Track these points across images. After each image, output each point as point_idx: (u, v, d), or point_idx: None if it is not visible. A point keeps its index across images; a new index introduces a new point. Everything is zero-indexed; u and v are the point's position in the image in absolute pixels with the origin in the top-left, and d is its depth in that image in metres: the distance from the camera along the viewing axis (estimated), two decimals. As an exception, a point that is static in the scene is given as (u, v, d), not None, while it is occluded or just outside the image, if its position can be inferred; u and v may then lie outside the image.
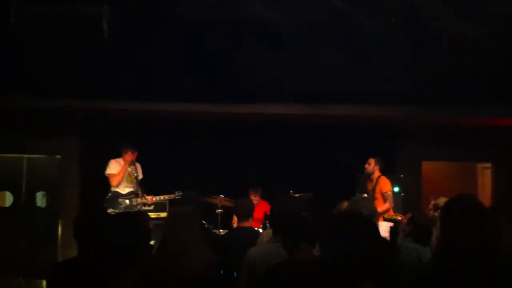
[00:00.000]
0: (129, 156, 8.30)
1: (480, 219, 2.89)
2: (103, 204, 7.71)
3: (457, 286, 2.71)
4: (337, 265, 2.57)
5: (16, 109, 8.70)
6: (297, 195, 8.87)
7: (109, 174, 8.28)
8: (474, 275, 2.72)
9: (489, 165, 10.72)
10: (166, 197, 8.29)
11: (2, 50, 7.18)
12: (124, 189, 8.26)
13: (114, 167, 8.29)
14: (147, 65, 7.76)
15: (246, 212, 5.68)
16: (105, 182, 8.27)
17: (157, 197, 8.32)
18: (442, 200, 8.06)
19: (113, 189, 8.22)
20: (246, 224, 5.64)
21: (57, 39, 7.01)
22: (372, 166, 8.37)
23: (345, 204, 5.94)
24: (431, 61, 7.70)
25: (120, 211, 7.85)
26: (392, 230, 6.76)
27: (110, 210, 7.91)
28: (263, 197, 9.38)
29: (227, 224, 8.50)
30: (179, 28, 7.14)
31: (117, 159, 8.35)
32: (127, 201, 8.14)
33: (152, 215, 8.01)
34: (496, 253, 2.83)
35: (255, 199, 9.19)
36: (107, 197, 8.16)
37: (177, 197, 8.07)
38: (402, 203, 9.59)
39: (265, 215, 9.05)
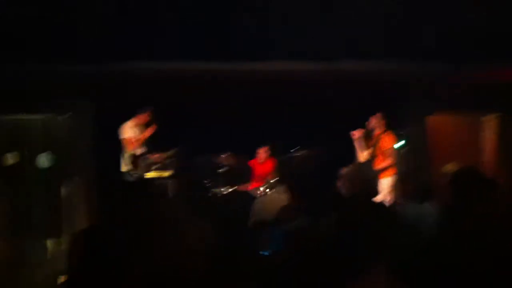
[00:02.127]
0: (144, 118, 8.34)
1: (483, 192, 2.98)
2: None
3: (456, 254, 2.78)
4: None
5: (27, 72, 8.70)
6: (305, 151, 8.95)
7: (125, 139, 8.29)
8: (473, 243, 2.78)
9: (494, 117, 10.64)
10: (165, 155, 8.29)
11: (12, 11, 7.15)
12: (138, 151, 8.31)
13: (130, 131, 8.30)
14: (153, 26, 7.74)
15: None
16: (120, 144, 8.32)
17: (162, 155, 8.33)
18: (451, 166, 8.20)
19: (129, 152, 8.25)
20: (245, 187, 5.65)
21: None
22: (374, 122, 8.32)
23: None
24: (438, 17, 7.61)
25: (142, 171, 7.96)
26: None
27: (129, 168, 7.98)
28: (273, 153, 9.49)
29: (230, 183, 8.59)
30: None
31: (131, 122, 8.38)
32: (143, 163, 8.20)
33: (155, 174, 8.08)
34: (495, 224, 2.90)
35: (261, 151, 9.30)
36: (126, 156, 8.20)
37: (175, 153, 8.08)
38: (407, 158, 9.62)
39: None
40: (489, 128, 10.66)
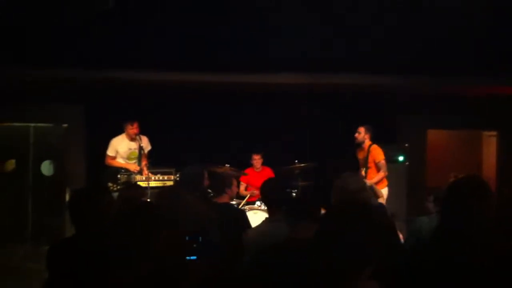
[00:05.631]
0: (130, 129, 8.22)
1: (484, 202, 2.92)
2: (104, 182, 7.76)
3: (451, 266, 2.74)
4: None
5: (21, 79, 8.69)
6: (302, 164, 8.91)
7: (106, 154, 8.27)
8: (470, 256, 2.74)
9: (494, 133, 10.68)
10: (166, 177, 8.15)
11: (2, 19, 7.14)
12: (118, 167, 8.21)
13: (113, 148, 8.27)
14: (149, 34, 7.75)
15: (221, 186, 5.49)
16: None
17: (158, 176, 8.16)
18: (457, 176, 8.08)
19: (110, 168, 8.18)
20: (223, 199, 5.45)
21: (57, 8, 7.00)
22: (362, 134, 8.26)
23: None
24: (435, 29, 7.66)
25: (119, 186, 7.85)
26: None
27: (109, 184, 7.93)
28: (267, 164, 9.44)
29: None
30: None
31: (120, 137, 8.31)
32: (125, 177, 8.07)
33: (158, 184, 8.01)
34: (495, 235, 2.87)
35: (256, 158, 9.27)
36: (108, 171, 8.14)
37: (177, 179, 7.99)
38: (407, 172, 9.61)
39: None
40: (489, 144, 10.70)
